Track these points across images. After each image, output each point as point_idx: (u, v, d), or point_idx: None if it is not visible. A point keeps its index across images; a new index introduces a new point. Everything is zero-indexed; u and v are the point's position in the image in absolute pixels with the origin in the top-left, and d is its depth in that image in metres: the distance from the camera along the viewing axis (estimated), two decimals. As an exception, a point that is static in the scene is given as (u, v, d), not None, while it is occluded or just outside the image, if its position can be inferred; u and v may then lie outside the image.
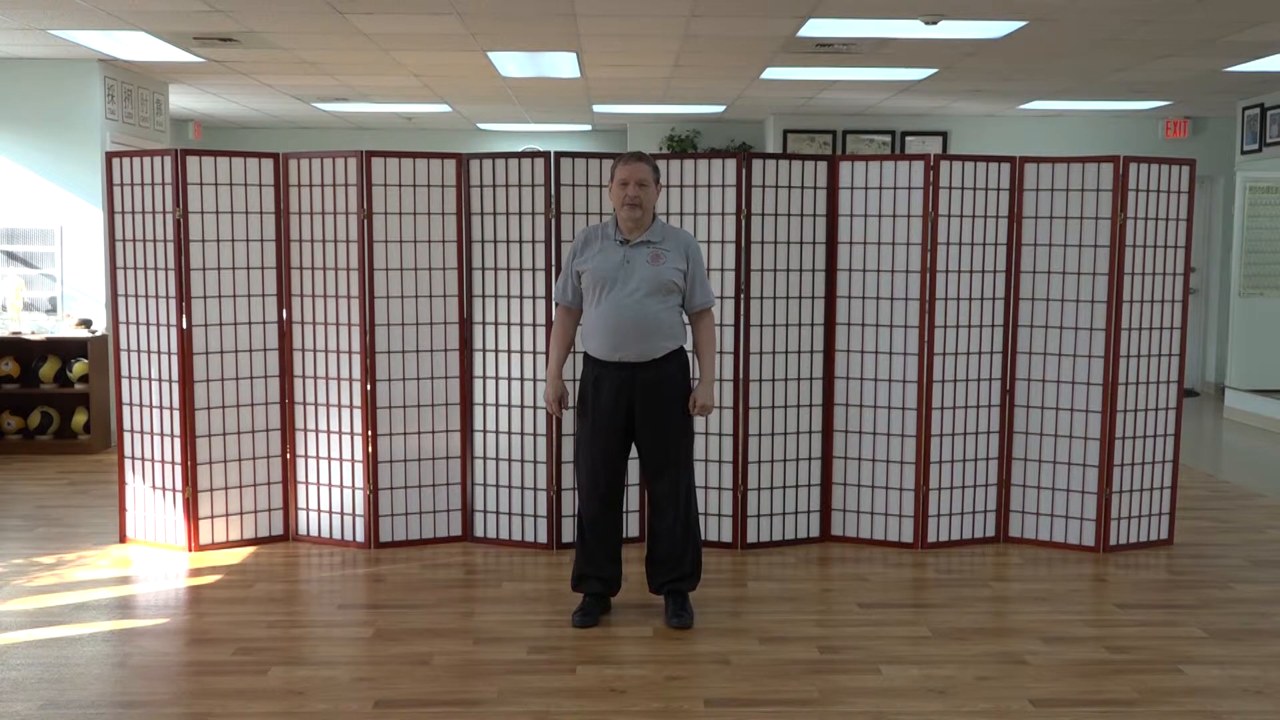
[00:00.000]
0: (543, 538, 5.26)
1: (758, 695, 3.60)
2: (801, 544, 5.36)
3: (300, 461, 5.34)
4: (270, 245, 5.26)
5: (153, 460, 5.26)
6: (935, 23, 6.30)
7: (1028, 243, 5.28)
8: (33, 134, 7.69)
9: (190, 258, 5.11)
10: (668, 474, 4.22)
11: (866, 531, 5.38)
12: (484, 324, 5.28)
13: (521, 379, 5.23)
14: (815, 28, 6.50)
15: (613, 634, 4.16)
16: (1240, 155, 9.60)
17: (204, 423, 5.16)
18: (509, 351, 5.24)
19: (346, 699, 3.55)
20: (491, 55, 7.47)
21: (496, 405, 5.28)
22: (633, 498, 5.23)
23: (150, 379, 5.23)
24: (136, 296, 5.24)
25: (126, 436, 5.33)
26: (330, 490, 5.30)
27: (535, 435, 5.23)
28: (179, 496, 5.20)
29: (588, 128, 12.25)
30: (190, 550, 5.19)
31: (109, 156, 5.27)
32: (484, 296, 5.26)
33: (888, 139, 10.95)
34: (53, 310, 7.76)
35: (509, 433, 5.27)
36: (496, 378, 5.28)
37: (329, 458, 5.29)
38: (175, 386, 5.15)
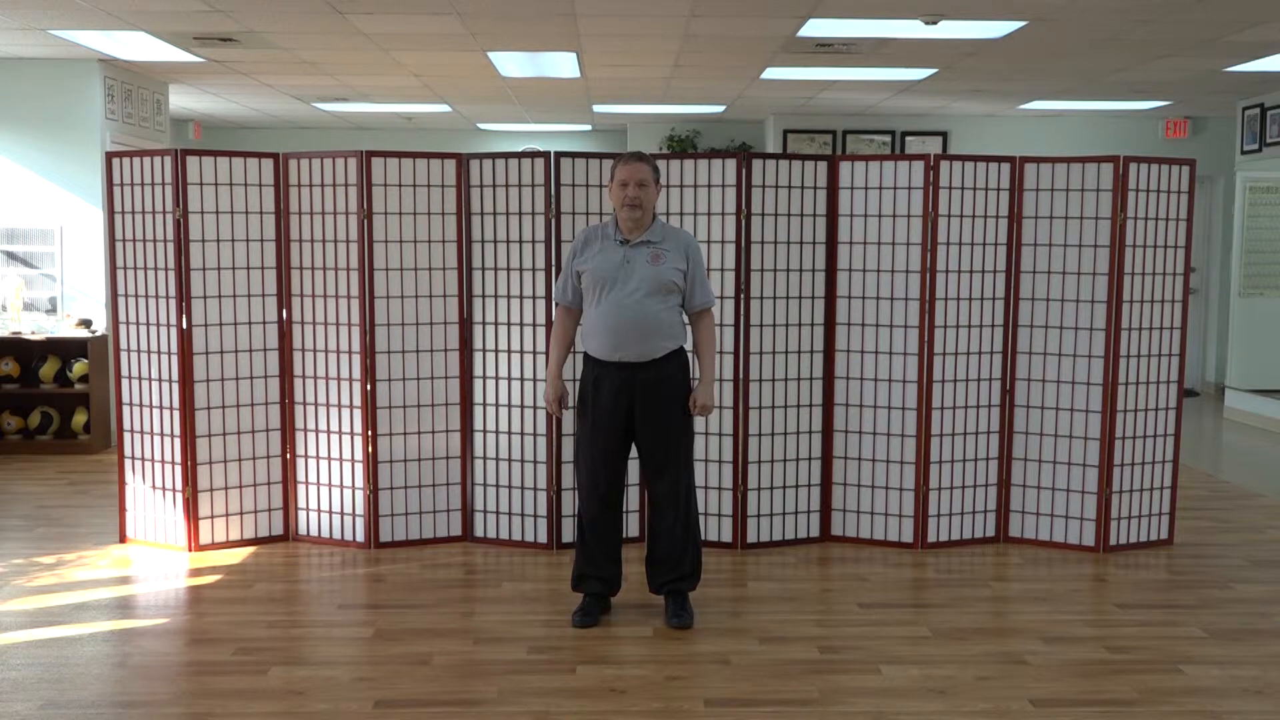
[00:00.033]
0: (543, 538, 5.26)
1: (758, 695, 3.60)
2: (801, 544, 5.36)
3: (300, 461, 5.34)
4: (270, 245, 5.26)
5: (153, 460, 5.26)
6: (935, 23, 6.30)
7: (1028, 243, 5.28)
8: (33, 134, 7.70)
9: (190, 258, 5.11)
10: (668, 474, 4.22)
11: (866, 531, 5.38)
12: (484, 324, 5.28)
13: (521, 379, 5.23)
14: (815, 28, 6.50)
15: (613, 634, 4.16)
16: (1240, 155, 9.60)
17: (204, 423, 5.16)
18: (509, 351, 5.24)
19: (346, 699, 3.55)
20: (491, 55, 7.47)
21: (496, 405, 5.28)
22: (633, 498, 5.23)
23: (150, 379, 5.23)
24: (136, 296, 5.24)
25: (126, 436, 5.33)
26: (330, 490, 5.30)
27: (535, 435, 5.23)
28: (179, 496, 5.20)
29: (588, 128, 12.26)
30: (190, 550, 5.19)
31: (109, 156, 5.27)
32: (484, 296, 5.26)
33: (888, 139, 10.95)
34: (53, 310, 7.76)
35: (509, 433, 5.27)
36: (496, 378, 5.28)
37: (329, 458, 5.29)
38: (175, 386, 5.15)
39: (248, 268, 5.22)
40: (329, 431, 5.28)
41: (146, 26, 6.61)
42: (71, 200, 7.72)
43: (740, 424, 5.23)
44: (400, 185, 5.17)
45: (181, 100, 9.80)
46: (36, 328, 7.56)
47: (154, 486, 5.27)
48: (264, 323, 5.27)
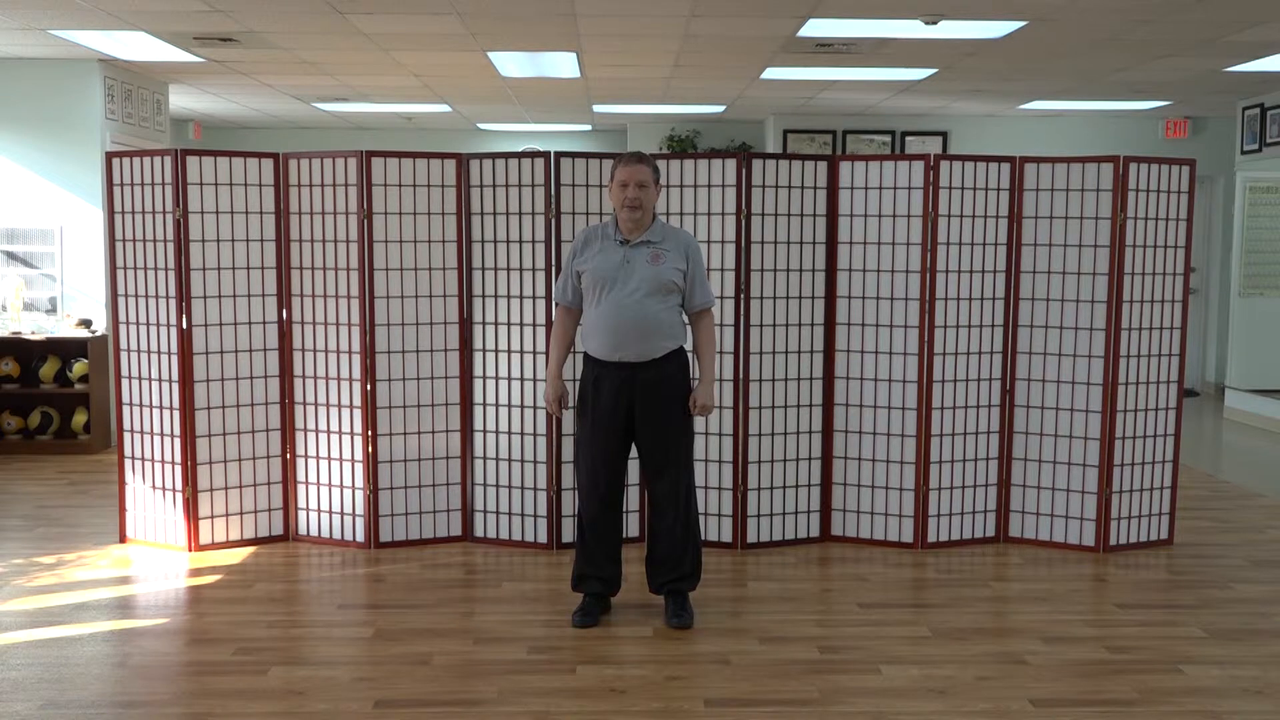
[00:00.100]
0: (543, 538, 5.26)
1: (758, 695, 3.60)
2: (801, 544, 5.36)
3: (300, 461, 5.34)
4: (270, 245, 5.26)
5: (153, 460, 5.26)
6: (935, 23, 6.30)
7: (1028, 243, 5.28)
8: (33, 134, 7.70)
9: (190, 258, 5.11)
10: (668, 474, 4.22)
11: (866, 531, 5.38)
12: (484, 324, 5.28)
13: (521, 379, 5.23)
14: (815, 28, 6.50)
15: (613, 634, 4.16)
16: (1240, 155, 9.60)
17: (204, 423, 5.16)
18: (509, 351, 5.24)
19: (346, 699, 3.55)
20: (491, 55, 7.47)
21: (496, 405, 5.28)
22: (633, 498, 5.23)
23: (150, 379, 5.23)
24: (136, 296, 5.24)
25: (126, 436, 5.33)
26: (330, 490, 5.30)
27: (535, 435, 5.23)
28: (179, 496, 5.20)
29: (588, 128, 12.25)
30: (190, 550, 5.19)
31: (109, 156, 5.27)
32: (484, 296, 5.27)
33: (888, 139, 10.95)
34: (53, 310, 7.76)
35: (509, 433, 5.27)
36: (496, 378, 5.28)
37: (329, 458, 5.29)
38: (175, 386, 5.15)
39: (248, 268, 5.22)
40: (329, 431, 5.28)
41: (146, 26, 6.61)
42: (71, 200, 7.72)
43: (740, 424, 5.23)
44: (400, 185, 5.17)
45: (181, 100, 9.80)
46: (36, 328, 7.56)
47: (154, 486, 5.27)
48: (264, 323, 5.27)
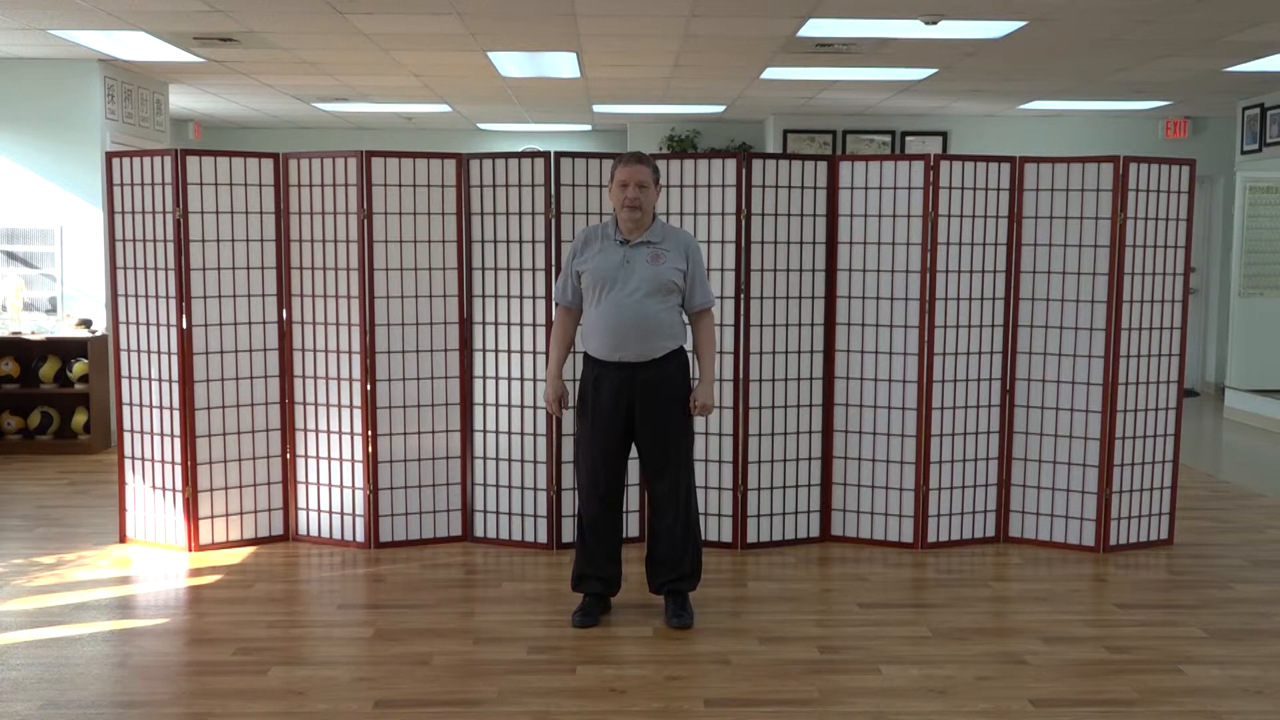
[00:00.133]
0: (543, 538, 5.26)
1: (758, 695, 3.60)
2: (801, 544, 5.36)
3: (300, 461, 5.34)
4: (270, 245, 5.26)
5: (153, 460, 5.26)
6: (935, 23, 6.30)
7: (1028, 243, 5.28)
8: (33, 134, 7.70)
9: (190, 258, 5.11)
10: (668, 474, 4.22)
11: (866, 531, 5.38)
12: (484, 324, 5.28)
13: (521, 379, 5.23)
14: (815, 28, 6.50)
15: (613, 634, 4.16)
16: (1240, 155, 9.60)
17: (204, 423, 5.16)
18: (509, 351, 5.24)
19: (346, 699, 3.55)
20: (491, 55, 7.47)
21: (496, 405, 5.28)
22: (633, 498, 5.23)
23: (150, 379, 5.23)
24: (136, 296, 5.24)
25: (126, 436, 5.33)
26: (330, 490, 5.30)
27: (535, 435, 5.23)
28: (179, 496, 5.20)
29: (588, 128, 12.25)
30: (190, 550, 5.19)
31: (109, 156, 5.27)
32: (484, 296, 5.27)
33: (888, 139, 10.95)
34: (53, 310, 7.76)
35: (509, 433, 5.27)
36: (496, 378, 5.28)
37: (329, 458, 5.29)
38: (175, 386, 5.15)
39: (248, 268, 5.22)
40: (329, 431, 5.28)
41: (146, 26, 6.61)
42: (71, 200, 7.72)
43: (740, 424, 5.23)
44: (400, 185, 5.17)
45: (181, 100, 9.80)
46: (36, 328, 7.56)
47: (154, 486, 5.27)
48: (264, 323, 5.27)
